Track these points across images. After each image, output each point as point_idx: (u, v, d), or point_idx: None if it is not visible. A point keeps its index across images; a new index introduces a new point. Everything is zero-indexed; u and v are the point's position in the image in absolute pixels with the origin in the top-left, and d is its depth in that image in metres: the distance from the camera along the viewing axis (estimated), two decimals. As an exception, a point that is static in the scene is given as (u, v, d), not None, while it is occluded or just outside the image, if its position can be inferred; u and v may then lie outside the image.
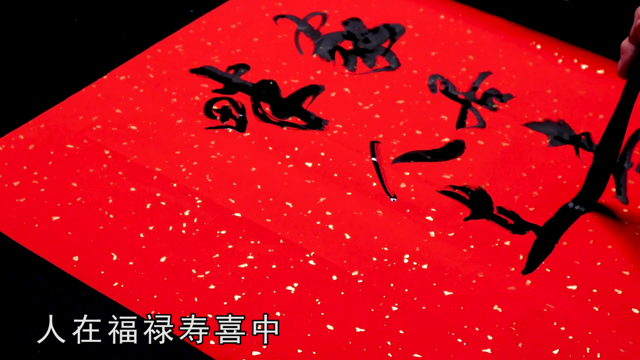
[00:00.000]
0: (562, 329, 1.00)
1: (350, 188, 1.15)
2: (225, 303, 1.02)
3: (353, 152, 1.19)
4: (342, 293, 1.03)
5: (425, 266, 1.06)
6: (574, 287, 1.05)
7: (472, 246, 1.08)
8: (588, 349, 0.98)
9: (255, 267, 1.06)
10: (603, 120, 1.25)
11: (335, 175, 1.16)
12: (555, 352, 0.98)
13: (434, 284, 1.04)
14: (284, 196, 1.13)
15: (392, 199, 1.14)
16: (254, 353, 0.97)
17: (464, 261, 1.06)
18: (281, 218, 1.11)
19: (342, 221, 1.10)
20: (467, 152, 1.20)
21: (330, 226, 1.10)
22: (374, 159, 1.18)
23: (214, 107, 1.26)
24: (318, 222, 1.10)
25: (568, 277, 1.06)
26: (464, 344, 0.99)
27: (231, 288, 1.03)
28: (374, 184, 1.16)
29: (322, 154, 1.19)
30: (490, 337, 0.99)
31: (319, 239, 1.08)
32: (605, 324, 1.01)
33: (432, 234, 1.10)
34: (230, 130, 1.23)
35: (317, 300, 1.03)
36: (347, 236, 1.09)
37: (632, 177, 1.17)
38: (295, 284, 1.04)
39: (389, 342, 0.99)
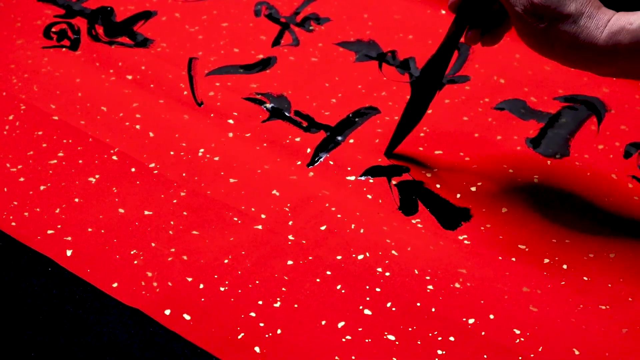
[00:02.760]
0: (333, 209, 1.09)
1: (163, 96, 1.25)
2: (30, 192, 1.11)
3: (171, 67, 1.29)
4: (138, 182, 1.12)
5: (217, 158, 1.15)
6: (352, 178, 1.14)
7: (265, 144, 1.18)
8: (353, 225, 1.08)
9: (64, 163, 1.15)
10: (412, 40, 1.35)
11: (152, 86, 1.25)
12: (323, 227, 1.07)
13: (222, 173, 1.14)
14: (101, 102, 1.23)
15: (199, 105, 1.23)
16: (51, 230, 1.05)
17: (255, 156, 1.16)
18: (94, 120, 1.20)
19: (149, 123, 1.20)
20: (276, 66, 1.30)
21: (137, 126, 1.19)
22: (190, 72, 1.28)
23: (53, 29, 1.36)
24: (127, 124, 1.20)
25: (349, 168, 1.15)
26: (239, 221, 1.08)
27: (38, 180, 1.12)
28: (185, 92, 1.25)
29: (143, 67, 1.29)
30: (263, 216, 1.09)
31: (125, 137, 1.18)
32: (373, 209, 1.11)
33: (231, 134, 1.19)
34: (64, 49, 1.32)
35: (113, 188, 1.12)
36: (151, 134, 1.18)
37: None
38: (97, 176, 1.13)
39: (172, 222, 1.08)
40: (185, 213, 1.08)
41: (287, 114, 1.22)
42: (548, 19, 0.97)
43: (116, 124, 1.19)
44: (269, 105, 1.23)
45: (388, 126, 1.20)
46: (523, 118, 1.23)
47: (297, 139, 1.18)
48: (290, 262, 1.03)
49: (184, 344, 0.95)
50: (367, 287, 1.01)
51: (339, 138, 1.18)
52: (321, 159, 1.15)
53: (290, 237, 1.05)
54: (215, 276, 1.01)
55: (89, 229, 1.05)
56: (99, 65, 1.29)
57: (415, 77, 1.14)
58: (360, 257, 1.03)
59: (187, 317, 0.97)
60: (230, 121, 1.21)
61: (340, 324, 0.97)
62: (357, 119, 1.21)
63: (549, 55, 1.00)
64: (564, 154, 1.18)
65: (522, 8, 0.97)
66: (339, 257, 1.03)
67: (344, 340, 0.96)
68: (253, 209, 1.08)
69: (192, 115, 1.21)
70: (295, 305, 0.99)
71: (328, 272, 1.02)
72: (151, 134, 1.17)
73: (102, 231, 1.05)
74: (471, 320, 0.98)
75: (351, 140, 1.18)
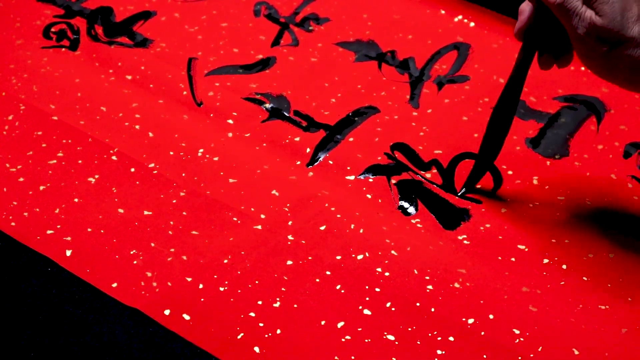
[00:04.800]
0: (332, 209, 1.09)
1: (162, 96, 1.25)
2: (30, 192, 1.11)
3: (171, 67, 1.29)
4: (137, 182, 1.12)
5: (216, 158, 1.16)
6: (352, 178, 1.14)
7: (264, 144, 1.18)
8: (353, 225, 1.08)
9: (63, 163, 1.15)
10: (411, 40, 1.35)
11: (151, 86, 1.25)
12: (322, 227, 1.07)
13: (222, 173, 1.14)
14: (100, 102, 1.23)
15: (198, 105, 1.23)
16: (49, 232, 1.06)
17: (255, 156, 1.16)
18: (94, 120, 1.20)
19: (148, 123, 1.20)
20: (276, 66, 1.30)
21: (137, 126, 1.19)
22: (189, 72, 1.28)
23: (52, 29, 1.36)
24: (126, 124, 1.20)
25: (348, 168, 1.15)
26: (239, 221, 1.08)
27: (37, 180, 1.12)
28: (184, 92, 1.25)
29: (142, 67, 1.28)
30: (263, 216, 1.09)
31: (124, 137, 1.18)
32: (373, 209, 1.11)
33: (230, 134, 1.19)
34: (63, 49, 1.32)
35: (113, 188, 1.12)
36: (150, 134, 1.18)
37: (428, 87, 1.26)
38: (96, 176, 1.13)
39: (171, 222, 1.08)
40: (184, 213, 1.08)
41: (286, 113, 1.22)
42: (610, 43, 0.94)
43: (116, 124, 1.19)
44: (268, 105, 1.23)
45: (387, 125, 1.20)
46: (522, 118, 1.23)
47: (297, 139, 1.18)
48: (289, 262, 1.03)
49: (184, 344, 0.95)
50: (367, 287, 1.01)
51: (339, 137, 1.18)
52: (320, 159, 1.15)
53: (290, 237, 1.05)
54: (215, 276, 1.01)
55: (89, 229, 1.05)
56: (99, 65, 1.29)
57: (492, 109, 1.12)
58: (360, 257, 1.04)
59: (186, 317, 0.97)
60: (230, 121, 1.21)
61: (340, 324, 0.97)
62: (356, 119, 1.21)
63: (610, 78, 0.98)
64: (563, 154, 1.18)
65: (583, 31, 0.95)
66: (338, 257, 1.03)
67: (343, 340, 0.96)
68: (252, 209, 1.08)
69: (191, 115, 1.22)
70: (295, 305, 0.99)
71: (327, 272, 1.02)
72: (151, 134, 1.17)
73: (102, 231, 1.05)
74: (471, 320, 0.98)
75: (351, 139, 1.19)
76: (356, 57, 1.31)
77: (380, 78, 1.28)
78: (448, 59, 1.31)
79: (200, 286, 1.00)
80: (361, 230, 1.06)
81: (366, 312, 0.99)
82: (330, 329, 0.98)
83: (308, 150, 1.16)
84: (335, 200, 1.09)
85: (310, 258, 1.03)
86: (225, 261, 1.02)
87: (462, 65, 1.30)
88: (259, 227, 1.07)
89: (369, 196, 1.11)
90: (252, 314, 0.98)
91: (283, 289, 1.00)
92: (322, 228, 1.06)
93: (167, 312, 0.98)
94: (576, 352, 0.95)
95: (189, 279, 1.01)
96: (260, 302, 1.00)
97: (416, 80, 1.27)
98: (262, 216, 1.08)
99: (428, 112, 1.22)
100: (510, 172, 1.15)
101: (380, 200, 1.11)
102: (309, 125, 1.20)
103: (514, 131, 1.19)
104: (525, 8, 1.00)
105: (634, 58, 0.95)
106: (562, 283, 1.02)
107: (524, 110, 1.24)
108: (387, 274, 1.02)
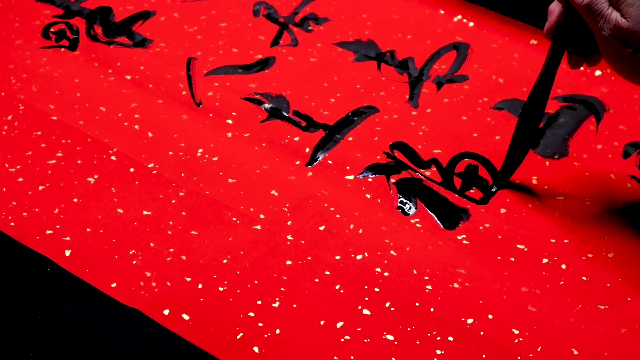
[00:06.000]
0: (332, 209, 1.09)
1: (162, 96, 1.25)
2: (29, 193, 1.11)
3: (170, 67, 1.29)
4: (136, 182, 1.12)
5: (215, 158, 1.16)
6: (351, 177, 1.14)
7: (263, 144, 1.18)
8: (352, 225, 1.08)
9: (63, 163, 1.15)
10: (410, 40, 1.35)
11: (150, 86, 1.25)
12: (322, 227, 1.07)
13: (221, 173, 1.14)
14: (99, 102, 1.23)
15: (197, 105, 1.23)
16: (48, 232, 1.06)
17: (254, 156, 1.16)
18: (93, 120, 1.20)
19: (148, 123, 1.20)
20: (275, 66, 1.30)
21: (136, 126, 1.19)
22: (188, 72, 1.28)
23: (51, 29, 1.36)
24: (125, 124, 1.20)
25: (347, 167, 1.15)
26: (238, 221, 1.08)
27: (37, 180, 1.12)
28: (184, 92, 1.25)
29: (142, 67, 1.29)
30: (262, 216, 1.09)
31: (123, 137, 1.18)
32: (372, 209, 1.12)
33: (230, 134, 1.19)
34: (62, 49, 1.32)
35: (112, 188, 1.12)
36: (150, 134, 1.18)
37: (427, 87, 1.26)
38: (96, 176, 1.13)
39: (170, 222, 1.09)
40: (184, 213, 1.08)
41: (285, 113, 1.22)
42: (635, 44, 0.94)
43: (115, 124, 1.19)
44: (267, 106, 1.23)
45: (387, 125, 1.20)
46: (522, 118, 1.22)
47: (296, 139, 1.18)
48: (289, 262, 1.03)
49: (183, 343, 0.95)
50: (366, 287, 1.01)
51: (338, 137, 1.18)
52: (320, 159, 1.16)
53: (289, 237, 1.05)
54: (214, 276, 1.01)
55: (88, 229, 1.05)
56: (98, 65, 1.29)
57: (521, 108, 1.12)
58: (359, 257, 1.04)
59: (185, 317, 0.97)
60: (229, 121, 1.21)
61: (339, 324, 0.97)
62: (355, 118, 1.21)
63: (635, 80, 0.98)
64: (562, 154, 1.18)
65: (609, 33, 0.95)
66: (337, 257, 1.03)
67: (342, 340, 0.96)
68: (252, 209, 1.09)
69: (190, 115, 1.22)
70: (294, 305, 0.99)
71: (327, 272, 1.02)
72: (150, 134, 1.17)
73: (101, 231, 1.05)
74: (470, 320, 0.98)
75: (350, 139, 1.19)
76: (355, 57, 1.31)
77: (379, 78, 1.28)
78: (447, 59, 1.32)
79: (200, 286, 1.00)
80: (360, 231, 1.06)
81: (365, 312, 0.99)
82: (329, 329, 0.98)
83: (307, 150, 1.17)
84: (335, 200, 1.10)
85: (309, 258, 1.03)
86: (225, 261, 1.03)
87: (462, 65, 1.31)
88: (259, 227, 1.07)
89: (368, 196, 1.11)
90: (252, 314, 0.98)
91: (282, 289, 1.00)
92: (322, 228, 1.06)
93: (166, 312, 0.98)
94: (575, 352, 0.95)
95: (188, 279, 1.01)
96: (259, 302, 0.99)
97: (415, 80, 1.27)
98: (262, 216, 1.08)
99: (427, 111, 1.22)
100: (509, 172, 1.15)
101: (379, 200, 1.11)
102: (308, 125, 1.20)
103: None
104: (555, 8, 1.01)
105: None
106: (562, 283, 1.02)
107: (523, 111, 1.23)
108: (386, 274, 1.03)
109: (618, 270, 1.03)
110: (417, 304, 1.00)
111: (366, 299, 1.01)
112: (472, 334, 0.98)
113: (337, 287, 1.01)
